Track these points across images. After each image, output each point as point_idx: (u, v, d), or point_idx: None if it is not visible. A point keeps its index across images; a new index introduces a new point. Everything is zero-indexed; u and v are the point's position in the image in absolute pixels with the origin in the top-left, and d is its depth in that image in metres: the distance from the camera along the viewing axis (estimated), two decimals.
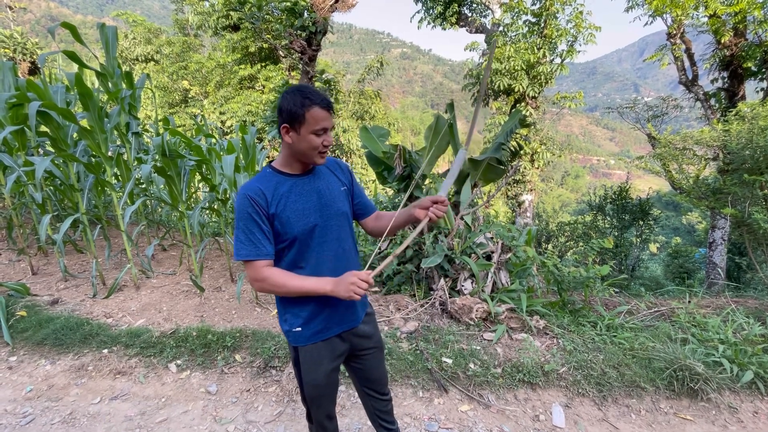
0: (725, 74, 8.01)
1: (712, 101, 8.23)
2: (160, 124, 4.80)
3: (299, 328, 1.40)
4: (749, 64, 7.55)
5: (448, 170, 1.37)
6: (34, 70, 14.73)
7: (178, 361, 2.77)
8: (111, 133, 3.68)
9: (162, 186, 3.93)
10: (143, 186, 4.29)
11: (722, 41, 7.61)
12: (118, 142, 4.19)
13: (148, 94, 13.82)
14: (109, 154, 3.65)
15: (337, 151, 13.31)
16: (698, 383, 2.48)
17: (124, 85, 3.99)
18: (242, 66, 14.95)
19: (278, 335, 2.97)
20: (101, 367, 2.72)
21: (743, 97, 7.84)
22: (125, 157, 3.97)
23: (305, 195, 1.35)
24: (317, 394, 1.49)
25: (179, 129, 5.96)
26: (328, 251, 1.39)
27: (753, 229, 3.49)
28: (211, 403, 2.46)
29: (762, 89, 7.87)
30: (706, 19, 7.78)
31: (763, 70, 7.69)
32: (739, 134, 4.09)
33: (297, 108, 1.23)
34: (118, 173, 3.99)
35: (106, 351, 2.84)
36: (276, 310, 3.36)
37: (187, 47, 17.37)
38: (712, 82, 8.40)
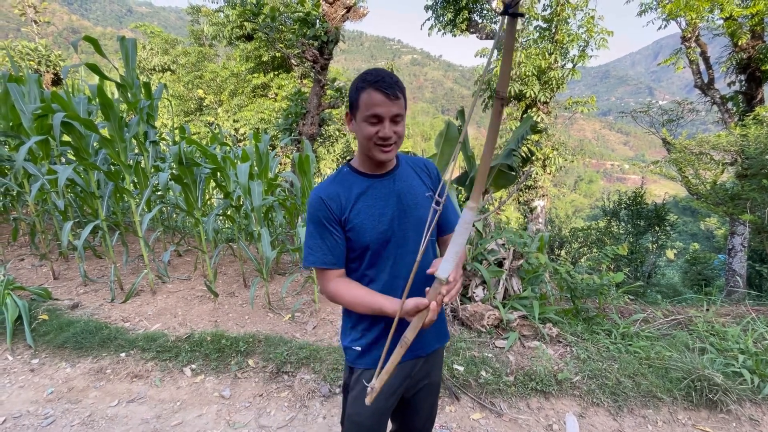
0: (742, 77, 7.85)
1: (730, 105, 8.07)
2: (176, 132, 4.93)
3: (359, 348, 1.24)
4: (767, 67, 7.39)
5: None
6: (57, 81, 15.26)
7: (193, 366, 2.82)
8: (130, 142, 3.79)
9: (178, 193, 4.03)
10: (160, 193, 4.39)
11: (739, 44, 7.48)
12: (136, 151, 4.31)
13: (164, 103, 14.20)
14: (128, 162, 3.76)
15: (348, 158, 13.42)
16: (717, 394, 2.42)
17: (142, 96, 4.11)
18: (255, 75, 15.24)
19: (290, 340, 3.01)
20: (119, 371, 2.78)
21: (761, 101, 7.67)
22: (143, 165, 4.08)
23: (383, 199, 1.17)
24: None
25: (194, 137, 6.10)
26: (404, 267, 1.19)
27: None
28: (225, 407, 2.49)
29: None
30: (721, 21, 7.66)
31: None
32: (757, 138, 4.01)
33: (354, 92, 1.09)
34: (136, 181, 4.10)
35: (123, 355, 2.91)
36: (288, 316, 3.40)
37: (203, 57, 17.79)
38: (729, 85, 8.25)
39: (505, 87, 0.80)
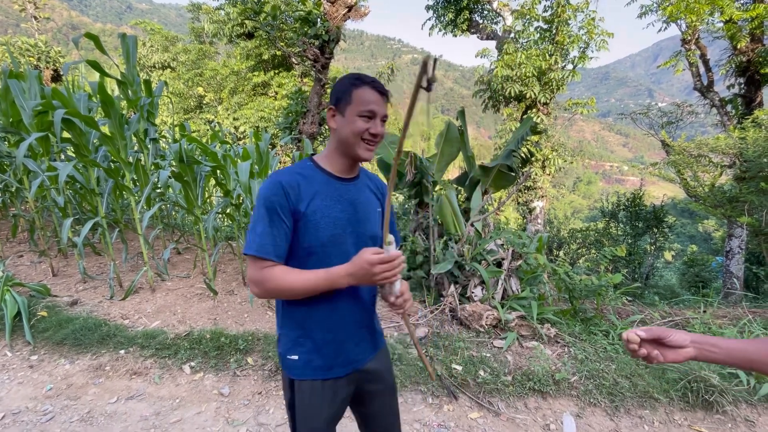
0: (742, 80, 7.87)
1: (729, 107, 8.10)
2: (177, 130, 4.93)
3: (295, 356, 1.17)
4: (766, 70, 7.42)
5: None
6: (57, 77, 15.22)
7: (192, 363, 2.83)
8: (130, 139, 3.80)
9: (178, 191, 4.03)
10: (160, 191, 4.40)
11: (738, 47, 7.50)
12: (136, 148, 4.32)
13: (164, 100, 14.18)
14: (128, 159, 3.76)
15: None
16: (713, 395, 2.43)
17: (143, 93, 4.11)
18: (256, 73, 15.23)
19: None
20: (118, 368, 2.79)
21: (760, 104, 7.69)
22: (143, 162, 4.08)
23: (341, 203, 1.15)
24: None
25: (194, 134, 6.10)
26: None
27: None
28: (224, 404, 2.50)
29: None
30: (721, 24, 7.68)
31: None
32: (756, 141, 4.03)
33: (345, 87, 1.09)
34: (136, 178, 4.11)
35: (122, 352, 2.91)
36: None
37: (203, 55, 17.77)
38: (728, 88, 8.27)
39: (399, 155, 0.94)
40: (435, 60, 0.79)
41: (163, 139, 5.54)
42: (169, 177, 3.65)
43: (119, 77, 3.79)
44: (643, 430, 2.34)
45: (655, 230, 8.93)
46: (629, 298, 4.06)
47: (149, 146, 4.17)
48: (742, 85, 7.89)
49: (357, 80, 1.09)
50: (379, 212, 1.27)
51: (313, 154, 1.23)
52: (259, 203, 1.10)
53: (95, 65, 3.33)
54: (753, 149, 3.95)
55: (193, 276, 4.18)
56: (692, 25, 7.78)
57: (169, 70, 18.09)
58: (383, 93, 1.10)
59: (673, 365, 2.61)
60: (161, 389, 2.62)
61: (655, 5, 8.30)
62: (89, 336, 3.03)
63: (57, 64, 15.35)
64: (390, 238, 1.02)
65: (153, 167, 4.16)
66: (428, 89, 0.76)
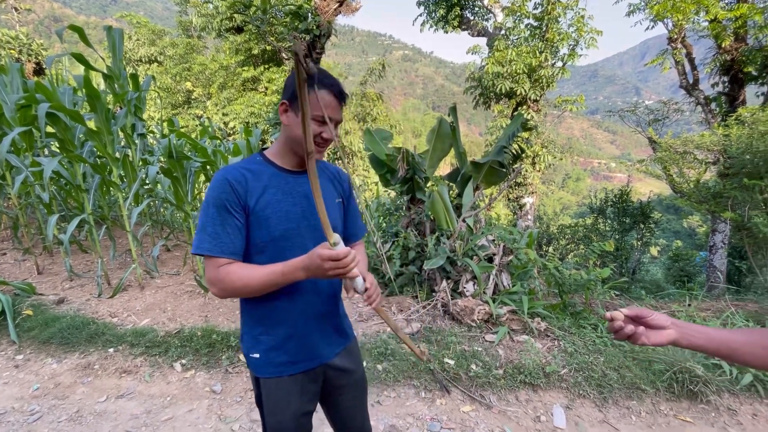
0: (726, 79, 8.04)
1: (713, 105, 8.26)
2: (165, 125, 4.85)
3: (257, 354, 1.15)
4: (750, 69, 7.58)
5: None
6: (39, 70, 14.82)
7: (183, 361, 2.80)
8: (117, 134, 3.72)
9: (167, 187, 3.98)
10: (149, 187, 4.33)
11: (723, 46, 7.64)
12: (123, 143, 4.24)
13: (152, 95, 13.92)
14: (116, 155, 3.69)
15: (339, 153, 13.36)
16: (698, 385, 2.50)
17: (130, 87, 4.04)
18: (245, 68, 15.02)
19: None
20: (107, 366, 2.75)
21: (744, 102, 7.86)
22: (131, 158, 4.01)
23: (292, 196, 1.12)
24: None
25: (183, 130, 6.00)
26: None
27: (753, 233, 3.52)
28: (216, 402, 2.49)
29: (762, 94, 7.90)
30: (706, 23, 7.81)
31: (764, 74, 7.72)
32: (739, 139, 4.12)
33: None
34: (124, 174, 4.03)
35: (111, 350, 2.87)
36: None
37: (191, 49, 17.46)
38: (712, 86, 8.43)
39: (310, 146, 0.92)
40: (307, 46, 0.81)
41: (151, 135, 5.45)
42: (158, 173, 3.59)
43: (105, 71, 3.71)
44: (630, 420, 2.40)
45: (642, 226, 9.09)
46: (617, 293, 4.14)
47: (137, 141, 4.10)
48: (726, 84, 8.05)
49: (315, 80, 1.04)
50: (338, 203, 1.24)
51: (264, 149, 1.20)
52: (206, 203, 1.06)
53: (80, 58, 3.26)
54: (736, 146, 4.05)
55: (183, 273, 4.13)
56: (678, 23, 7.91)
57: (156, 64, 17.75)
58: (340, 97, 1.07)
59: (660, 356, 2.68)
60: (152, 387, 2.60)
61: (642, 4, 8.41)
62: (77, 335, 2.99)
63: (39, 57, 14.95)
64: (336, 237, 0.97)
65: (141, 163, 4.09)
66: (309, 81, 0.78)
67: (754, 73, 7.74)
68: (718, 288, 5.87)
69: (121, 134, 4.09)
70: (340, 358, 1.26)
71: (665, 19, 8.08)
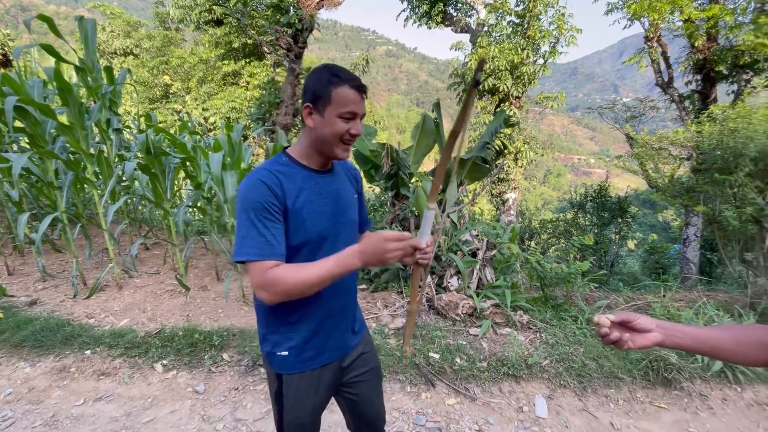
0: (699, 77, 8.31)
1: (687, 103, 8.54)
2: (142, 120, 4.70)
3: (285, 352, 1.17)
4: (721, 68, 7.85)
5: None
6: (5, 62, 14.13)
7: (164, 361, 2.74)
8: (91, 129, 3.59)
9: (145, 183, 3.86)
10: (126, 183, 4.20)
11: (696, 45, 7.89)
12: (98, 139, 4.09)
13: (128, 89, 13.48)
14: (90, 150, 3.56)
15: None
16: (672, 373, 2.60)
17: (104, 81, 3.89)
18: (226, 62, 14.70)
19: None
20: (84, 369, 2.67)
21: (715, 100, 8.15)
22: (106, 153, 3.88)
23: (323, 196, 1.14)
24: None
25: (161, 125, 5.84)
26: None
27: (723, 226, 3.67)
28: (199, 402, 2.45)
29: (733, 92, 8.20)
30: (681, 23, 8.05)
31: (734, 73, 8.02)
32: (710, 135, 4.27)
33: (323, 85, 1.05)
34: (99, 171, 3.90)
35: (88, 352, 2.79)
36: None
37: (168, 41, 16.96)
38: (686, 84, 8.71)
39: (460, 127, 0.96)
40: (483, 61, 0.88)
41: (128, 130, 5.28)
42: (135, 169, 3.49)
43: (77, 63, 3.57)
44: (608, 408, 2.48)
45: (620, 220, 9.36)
46: (596, 285, 4.26)
47: (112, 137, 3.96)
48: (699, 82, 8.33)
49: (335, 77, 1.05)
50: (355, 198, 1.28)
51: (285, 147, 1.19)
52: (243, 208, 1.04)
53: (50, 50, 3.12)
54: (708, 142, 4.19)
55: (163, 272, 4.04)
56: (654, 23, 8.12)
57: (131, 57, 17.19)
58: (362, 90, 1.08)
59: None
60: (132, 389, 2.54)
61: (620, 3, 8.60)
62: (51, 337, 2.88)
63: (6, 48, 14.24)
64: (433, 204, 1.03)
65: (117, 159, 3.96)
66: (476, 85, 0.85)
67: (725, 71, 8.03)
68: (691, 279, 6.10)
69: (95, 129, 3.95)
70: (357, 348, 1.31)
71: (642, 18, 8.28)
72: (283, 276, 1.01)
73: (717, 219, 3.77)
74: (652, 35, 8.41)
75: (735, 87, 8.12)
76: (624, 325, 0.88)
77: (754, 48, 7.03)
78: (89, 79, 3.70)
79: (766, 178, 3.68)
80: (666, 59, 8.65)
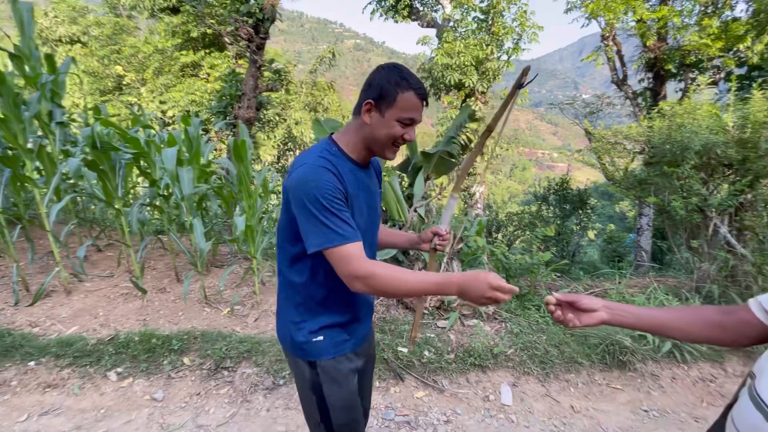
0: (650, 75, 8.79)
1: (640, 99, 9.02)
2: (90, 113, 4.37)
3: (321, 337, 1.18)
4: (670, 67, 8.34)
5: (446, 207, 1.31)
6: None
7: (119, 369, 2.59)
8: (30, 122, 3.30)
9: (95, 181, 3.61)
10: (72, 181, 3.90)
11: (648, 44, 8.34)
12: (39, 133, 3.77)
13: (74, 79, 12.55)
14: (29, 146, 3.28)
15: (289, 144, 12.95)
16: (626, 355, 2.74)
17: (44, 70, 3.58)
18: (184, 52, 14.00)
19: (230, 335, 2.87)
20: (27, 382, 2.47)
21: (665, 97, 8.66)
22: (49, 149, 3.58)
23: (363, 190, 1.17)
24: (351, 418, 1.24)
25: (113, 119, 5.48)
26: None
27: (671, 215, 3.90)
28: (158, 410, 2.33)
29: (680, 90, 8.74)
30: (634, 23, 8.47)
31: (681, 72, 8.54)
32: (660, 130, 4.51)
33: (390, 86, 1.04)
34: (41, 167, 3.60)
35: (32, 363, 2.58)
36: (227, 309, 3.23)
37: (120, 29, 15.93)
38: (639, 81, 9.19)
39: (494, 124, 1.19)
40: (528, 68, 1.05)
41: (75, 124, 4.91)
42: (82, 165, 3.25)
43: (12, 50, 3.26)
44: (569, 392, 2.58)
45: (580, 212, 9.77)
46: (558, 274, 4.42)
47: (56, 131, 3.66)
48: (651, 80, 8.81)
49: (404, 80, 1.04)
50: (379, 193, 1.33)
51: (331, 134, 1.18)
52: (311, 198, 1.00)
53: None
54: (658, 137, 4.43)
55: (117, 275, 3.80)
56: (610, 22, 8.49)
57: (79, 45, 16.01)
58: (425, 99, 1.09)
59: (594, 332, 2.90)
60: (82, 401, 2.37)
61: (578, 2, 8.92)
62: None
63: None
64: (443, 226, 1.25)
65: (62, 155, 3.67)
66: (520, 88, 1.02)
67: (674, 70, 8.54)
68: (644, 266, 6.48)
69: (35, 123, 3.63)
70: (370, 333, 1.41)
71: (599, 18, 8.64)
72: (382, 273, 1.00)
73: (666, 209, 4.01)
74: (608, 34, 8.80)
75: (682, 85, 8.65)
76: (572, 306, 0.95)
77: (699, 48, 7.51)
78: (27, 67, 3.40)
79: (710, 170, 3.94)
80: (621, 58, 9.08)
